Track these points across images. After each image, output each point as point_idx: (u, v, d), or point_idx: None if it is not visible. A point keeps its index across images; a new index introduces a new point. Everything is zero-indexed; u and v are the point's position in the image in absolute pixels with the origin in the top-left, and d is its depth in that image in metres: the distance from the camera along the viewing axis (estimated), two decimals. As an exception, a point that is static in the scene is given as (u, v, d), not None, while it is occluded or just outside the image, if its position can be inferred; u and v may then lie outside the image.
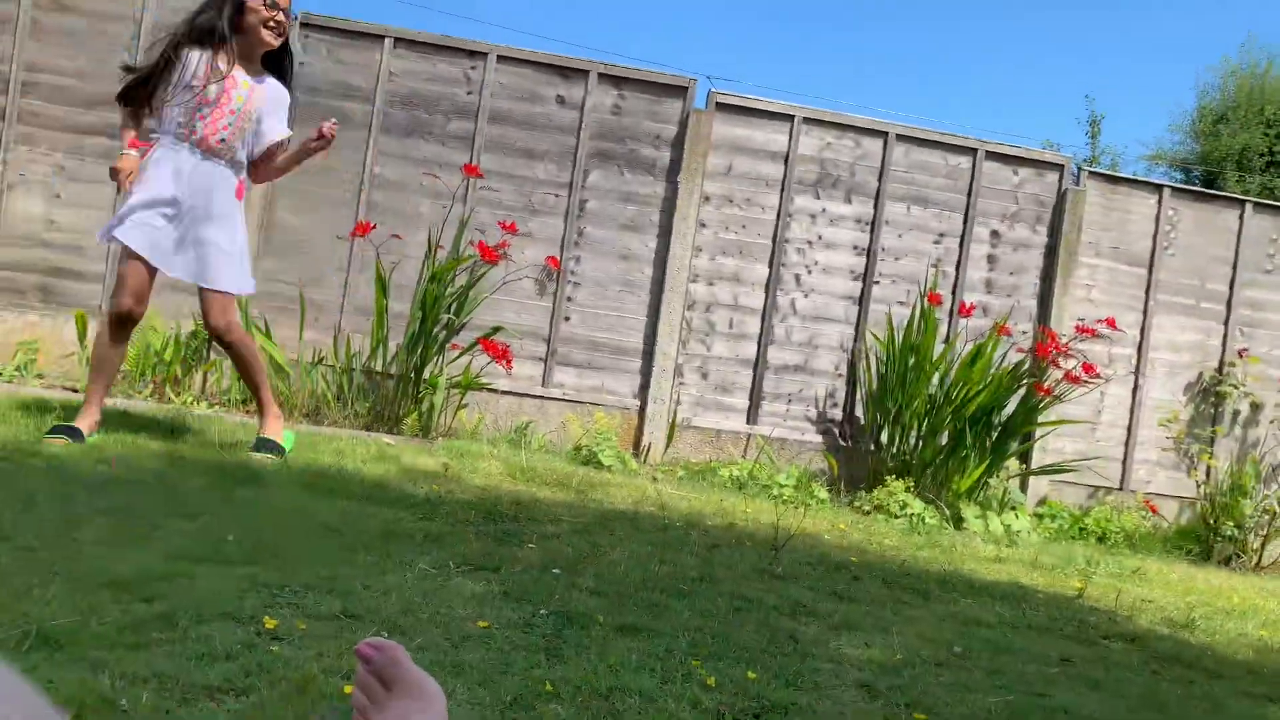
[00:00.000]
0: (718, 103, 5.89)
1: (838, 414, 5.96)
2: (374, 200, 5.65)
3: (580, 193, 5.79)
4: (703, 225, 5.88)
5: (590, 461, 5.01)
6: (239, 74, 3.51)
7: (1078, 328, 5.77)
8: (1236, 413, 6.28)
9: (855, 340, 5.96)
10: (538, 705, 1.65)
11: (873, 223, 6.00)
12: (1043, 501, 5.87)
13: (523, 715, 1.62)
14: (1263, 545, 5.83)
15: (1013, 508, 5.32)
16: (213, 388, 5.36)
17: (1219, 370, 6.26)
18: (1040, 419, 5.65)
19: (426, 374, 5.27)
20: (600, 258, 5.81)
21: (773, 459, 5.74)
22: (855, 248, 6.00)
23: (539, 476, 4.15)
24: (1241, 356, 6.23)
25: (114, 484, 2.85)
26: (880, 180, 6.00)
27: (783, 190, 5.94)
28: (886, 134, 6.02)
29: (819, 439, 5.92)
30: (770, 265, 5.93)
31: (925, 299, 5.67)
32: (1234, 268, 6.29)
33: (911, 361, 5.53)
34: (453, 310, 5.30)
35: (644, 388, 5.78)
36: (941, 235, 6.06)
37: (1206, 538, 5.79)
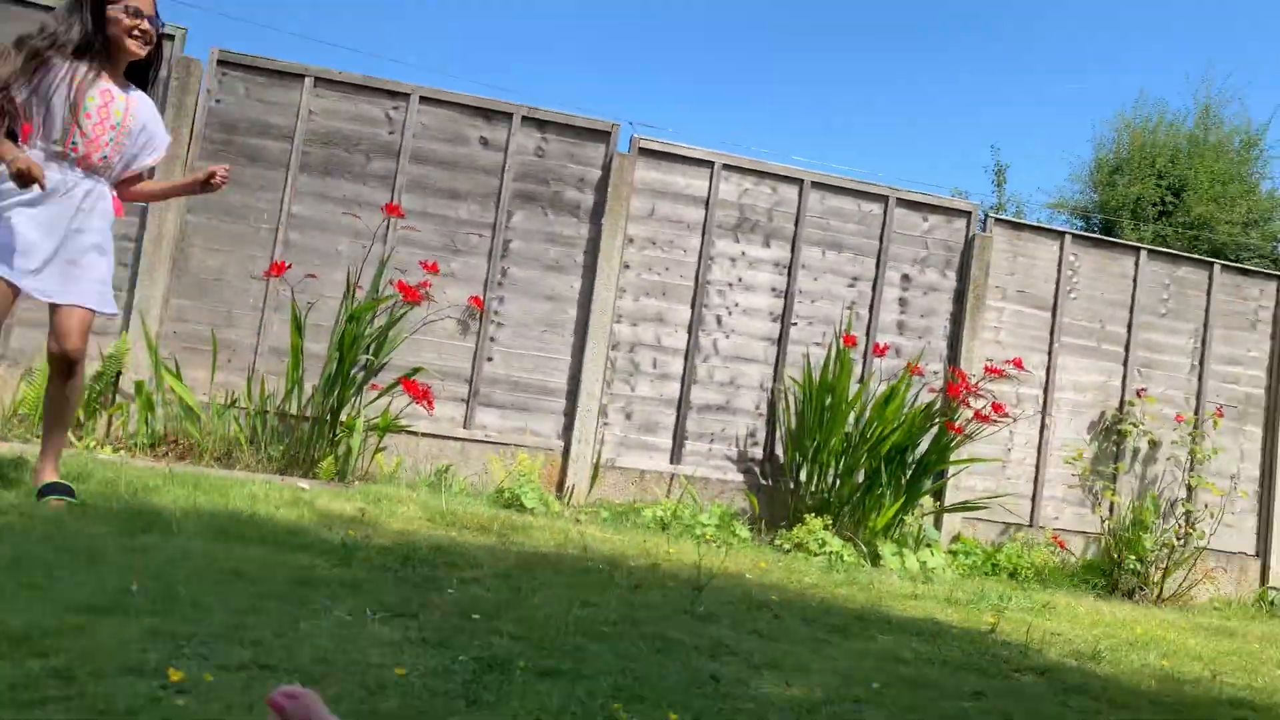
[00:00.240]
0: (640, 147, 5.99)
1: (759, 453, 6.03)
2: (291, 239, 5.56)
3: (504, 233, 5.80)
4: (626, 266, 5.93)
5: (513, 504, 4.96)
6: (113, 88, 3.28)
7: (987, 368, 5.96)
8: (1137, 450, 6.54)
9: (775, 380, 6.06)
10: (456, 754, 1.62)
11: (790, 266, 6.13)
12: (956, 538, 6.02)
13: (440, 764, 1.58)
14: (1163, 578, 6.06)
15: (928, 545, 5.45)
16: (117, 431, 5.17)
17: (1120, 409, 6.52)
18: (952, 457, 5.80)
19: (344, 416, 5.17)
20: (524, 298, 5.81)
21: (696, 498, 5.76)
22: (774, 290, 6.12)
23: (460, 520, 4.10)
24: (1140, 396, 6.51)
25: (6, 533, 2.72)
26: (797, 225, 6.15)
27: (704, 233, 6.04)
28: (802, 181, 6.18)
29: (741, 478, 5.97)
30: (693, 306, 6.00)
31: (841, 340, 5.81)
32: (1131, 311, 6.59)
33: (828, 401, 5.64)
34: (372, 351, 5.22)
35: (568, 428, 5.77)
36: (855, 279, 6.22)
37: (1111, 571, 6.00)
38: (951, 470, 5.94)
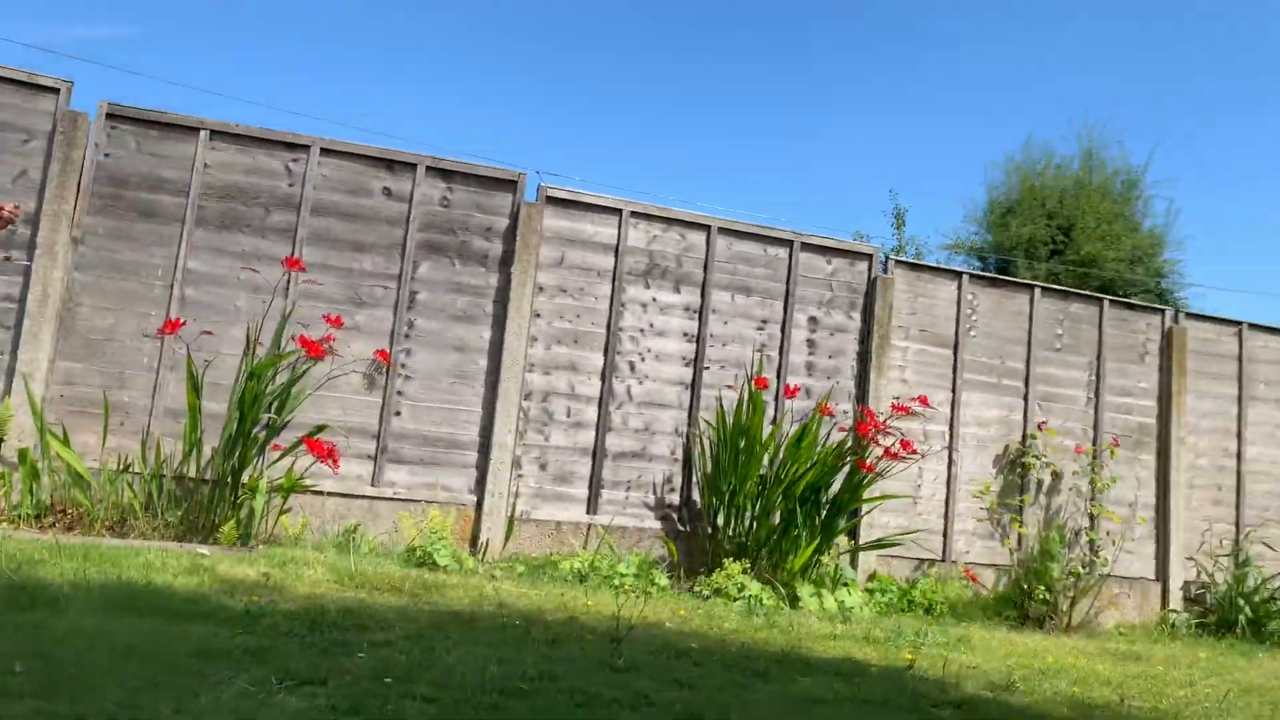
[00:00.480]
0: (548, 196, 5.99)
1: (675, 499, 6.02)
2: (188, 295, 5.38)
3: (410, 284, 5.72)
4: (537, 315, 5.90)
5: (425, 563, 4.83)
6: None
7: (894, 406, 6.09)
8: (1040, 482, 6.75)
9: (689, 424, 6.07)
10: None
11: (701, 311, 6.19)
12: (873, 576, 6.08)
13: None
14: (1071, 606, 6.23)
15: (845, 584, 5.49)
16: (0, 503, 4.87)
17: (1023, 442, 6.73)
18: (865, 495, 5.89)
19: (245, 477, 4.98)
20: (432, 350, 5.72)
21: (614, 548, 5.70)
22: (685, 335, 6.16)
23: (370, 581, 3.97)
24: (1041, 429, 6.73)
25: (-127, 617, 2.52)
26: (706, 270, 6.22)
27: (614, 280, 6.05)
28: (709, 227, 6.27)
29: (658, 525, 5.94)
30: (605, 353, 5.99)
31: (752, 383, 5.87)
32: (1029, 346, 6.84)
33: (742, 443, 5.68)
34: (274, 409, 5.06)
35: (480, 482, 5.66)
36: (765, 321, 6.31)
37: (1022, 602, 6.14)
38: (865, 508, 6.03)
